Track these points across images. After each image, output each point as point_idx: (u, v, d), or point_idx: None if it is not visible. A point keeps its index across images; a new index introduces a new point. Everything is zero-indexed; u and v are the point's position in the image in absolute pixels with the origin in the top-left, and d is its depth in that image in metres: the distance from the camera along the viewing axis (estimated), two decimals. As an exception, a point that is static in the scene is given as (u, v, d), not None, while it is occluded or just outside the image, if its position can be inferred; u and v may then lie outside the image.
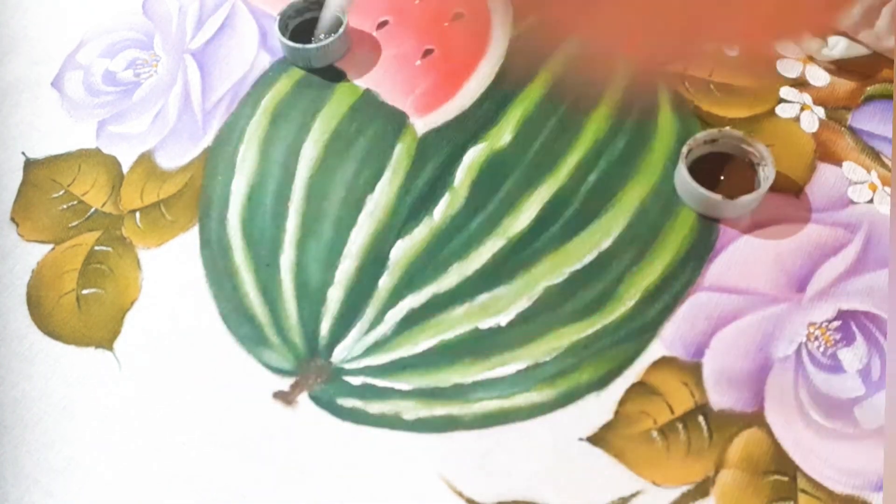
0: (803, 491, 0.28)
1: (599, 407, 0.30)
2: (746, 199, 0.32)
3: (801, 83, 0.36)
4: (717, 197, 0.32)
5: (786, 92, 0.36)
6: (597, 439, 0.29)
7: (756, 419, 0.29)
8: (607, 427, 0.29)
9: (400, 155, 0.36)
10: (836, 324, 0.31)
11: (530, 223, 0.34)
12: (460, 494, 0.29)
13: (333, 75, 0.38)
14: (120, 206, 0.35)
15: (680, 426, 0.29)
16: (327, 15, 0.37)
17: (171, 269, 0.34)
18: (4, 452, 0.30)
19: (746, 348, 0.30)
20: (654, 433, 0.29)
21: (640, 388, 0.30)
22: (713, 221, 0.33)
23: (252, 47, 0.39)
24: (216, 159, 0.36)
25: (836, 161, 0.34)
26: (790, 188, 0.34)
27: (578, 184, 0.34)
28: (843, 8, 0.33)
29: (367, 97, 0.37)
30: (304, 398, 0.31)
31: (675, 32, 0.27)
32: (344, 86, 0.38)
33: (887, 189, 0.34)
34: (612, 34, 0.28)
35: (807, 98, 0.36)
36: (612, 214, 0.34)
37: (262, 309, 0.32)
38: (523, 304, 0.32)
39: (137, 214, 0.35)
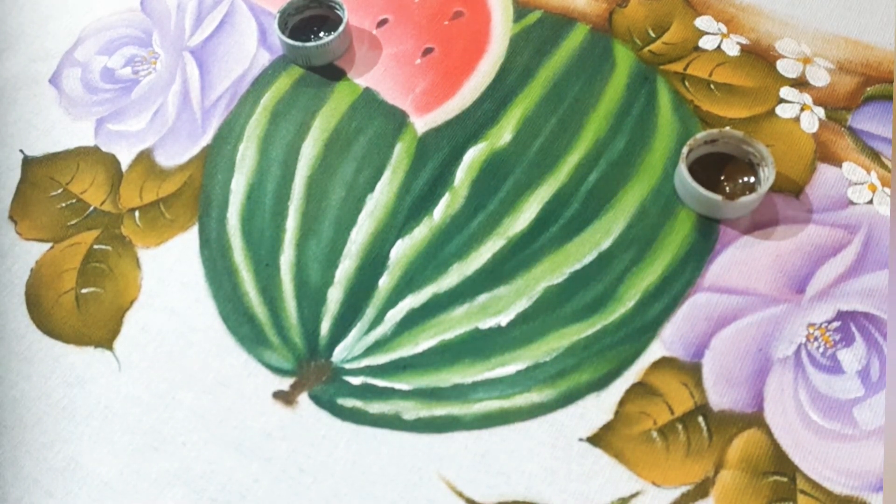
0: (802, 491, 0.28)
1: (599, 407, 0.30)
2: (746, 200, 0.32)
3: (801, 83, 0.36)
4: (717, 197, 0.32)
5: (786, 92, 0.36)
6: (597, 440, 0.29)
7: (755, 420, 0.29)
8: (607, 427, 0.30)
9: (400, 154, 0.35)
10: (835, 325, 0.31)
11: (530, 223, 0.33)
12: (460, 494, 0.29)
13: (333, 74, 0.38)
14: (119, 205, 0.35)
15: (680, 427, 0.29)
16: None
17: (170, 269, 0.33)
18: (4, 452, 0.30)
19: (746, 349, 0.31)
20: (654, 434, 0.29)
21: (639, 389, 0.30)
22: (713, 222, 0.33)
23: (251, 45, 0.39)
24: (215, 158, 0.36)
25: (836, 162, 0.34)
26: (790, 189, 0.34)
27: (578, 184, 0.34)
28: None
29: (367, 96, 0.37)
30: (304, 398, 0.31)
31: None
32: (344, 84, 0.38)
33: (887, 190, 0.34)
34: None
35: (807, 98, 0.36)
36: (612, 214, 0.34)
37: (261, 309, 0.32)
38: (523, 304, 0.32)
39: (136, 213, 0.35)
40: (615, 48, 0.38)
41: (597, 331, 0.31)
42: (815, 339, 0.31)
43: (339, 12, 0.39)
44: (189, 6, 0.41)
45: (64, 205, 0.36)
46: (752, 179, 0.33)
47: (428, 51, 0.38)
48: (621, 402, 0.30)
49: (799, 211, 0.33)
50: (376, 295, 0.32)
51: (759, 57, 0.37)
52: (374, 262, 0.33)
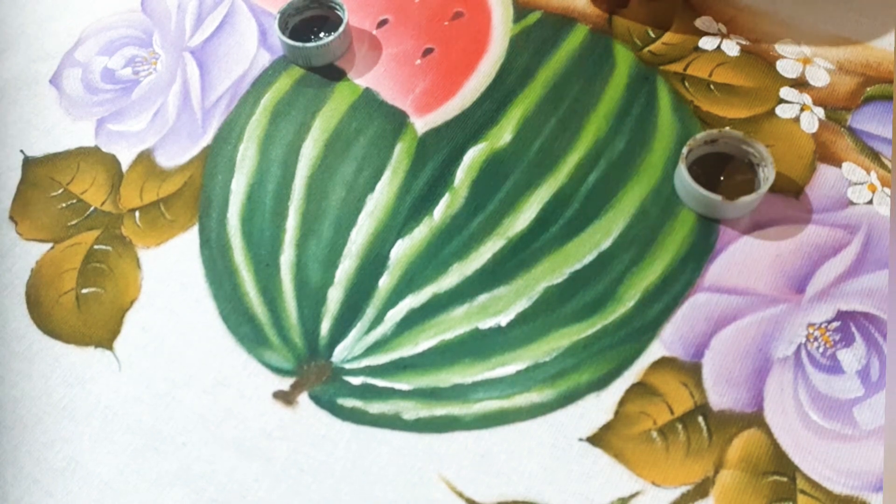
0: (802, 491, 0.28)
1: (599, 407, 0.30)
2: (746, 200, 0.32)
3: (801, 83, 0.36)
4: (717, 197, 0.32)
5: (786, 92, 0.36)
6: (596, 440, 0.29)
7: (755, 420, 0.29)
8: (607, 427, 0.30)
9: (400, 154, 0.35)
10: (835, 324, 0.31)
11: (530, 223, 0.34)
12: (460, 494, 0.29)
13: (333, 74, 0.38)
14: (119, 205, 0.35)
15: (679, 426, 0.29)
16: None
17: (170, 269, 0.34)
18: (4, 452, 0.30)
19: (746, 349, 0.31)
20: (654, 433, 0.29)
21: (639, 389, 0.30)
22: (713, 222, 0.33)
23: (252, 45, 0.39)
24: (216, 158, 0.36)
25: (836, 162, 0.34)
26: (790, 189, 0.34)
27: (578, 184, 0.34)
28: None
29: (367, 96, 0.37)
30: (304, 398, 0.31)
31: None
32: (344, 85, 0.38)
33: (887, 190, 0.34)
34: None
35: (807, 98, 0.36)
36: (612, 214, 0.34)
37: (262, 309, 0.32)
38: (523, 304, 0.32)
39: (137, 213, 0.35)
40: (615, 48, 0.38)
41: (597, 331, 0.31)
42: (815, 339, 0.31)
43: (339, 13, 0.39)
44: (189, 6, 0.41)
45: (64, 205, 0.36)
46: (752, 179, 0.34)
47: (428, 51, 0.39)
48: (621, 402, 0.30)
49: (799, 211, 0.33)
50: (376, 295, 0.32)
51: (759, 57, 0.37)
52: (374, 262, 0.33)
